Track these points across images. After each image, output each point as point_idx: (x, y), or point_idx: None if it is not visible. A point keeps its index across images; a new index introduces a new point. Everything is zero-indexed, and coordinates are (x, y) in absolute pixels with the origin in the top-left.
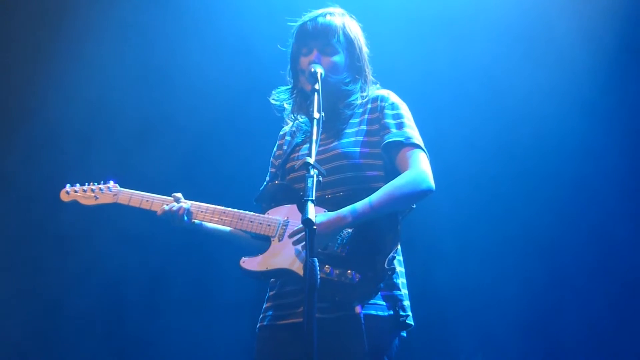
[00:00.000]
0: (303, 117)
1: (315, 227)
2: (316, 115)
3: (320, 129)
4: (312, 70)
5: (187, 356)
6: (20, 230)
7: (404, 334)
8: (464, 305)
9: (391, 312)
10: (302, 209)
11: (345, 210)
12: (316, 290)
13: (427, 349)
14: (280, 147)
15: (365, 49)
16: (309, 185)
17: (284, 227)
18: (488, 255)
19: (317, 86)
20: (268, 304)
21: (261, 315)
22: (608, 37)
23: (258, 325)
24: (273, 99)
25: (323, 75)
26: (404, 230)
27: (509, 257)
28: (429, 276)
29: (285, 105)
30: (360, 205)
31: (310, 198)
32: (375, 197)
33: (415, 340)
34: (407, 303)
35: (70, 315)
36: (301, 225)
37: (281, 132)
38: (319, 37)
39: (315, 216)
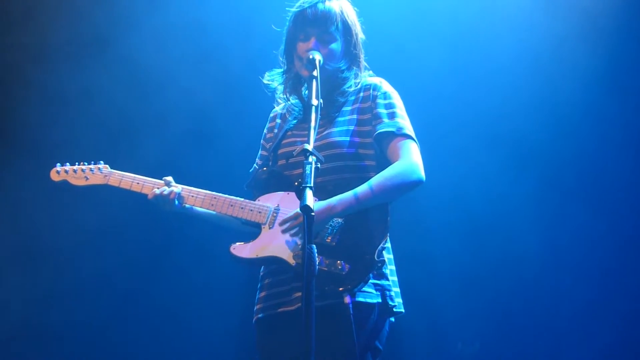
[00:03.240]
0: (295, 99)
1: (313, 213)
2: (314, 102)
3: (319, 116)
4: (311, 57)
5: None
6: None
7: (392, 319)
8: (461, 293)
9: (379, 300)
10: (301, 195)
11: (334, 199)
12: (314, 277)
13: (424, 337)
14: (271, 129)
15: (361, 36)
16: (308, 172)
17: (275, 215)
18: (487, 242)
19: (315, 73)
20: (262, 294)
21: (256, 307)
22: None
23: (255, 318)
24: (266, 80)
25: (322, 62)
26: (396, 215)
27: (508, 244)
28: (426, 263)
29: (277, 86)
30: (349, 195)
31: (308, 185)
32: (364, 187)
33: (413, 328)
34: (395, 291)
35: (57, 305)
36: (292, 213)
37: (271, 114)
38: (318, 25)
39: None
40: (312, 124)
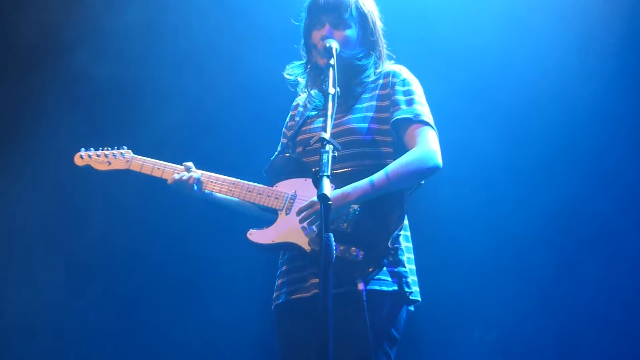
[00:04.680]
0: (316, 91)
1: (330, 202)
2: (331, 90)
3: (336, 104)
4: (327, 45)
5: (198, 336)
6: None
7: (412, 309)
8: (478, 280)
9: (395, 288)
10: (318, 184)
11: (349, 187)
12: (332, 266)
13: (441, 325)
14: (292, 117)
15: (379, 23)
16: (325, 160)
17: (292, 201)
18: (504, 229)
19: (332, 61)
20: (280, 280)
21: (275, 294)
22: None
23: (273, 305)
24: (287, 74)
25: (338, 50)
26: (414, 204)
27: (526, 230)
28: (441, 250)
29: (300, 80)
30: (365, 182)
31: (325, 173)
32: (380, 174)
33: (429, 315)
34: (412, 279)
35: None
36: (309, 201)
37: (294, 103)
38: (331, 11)
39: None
40: (329, 112)
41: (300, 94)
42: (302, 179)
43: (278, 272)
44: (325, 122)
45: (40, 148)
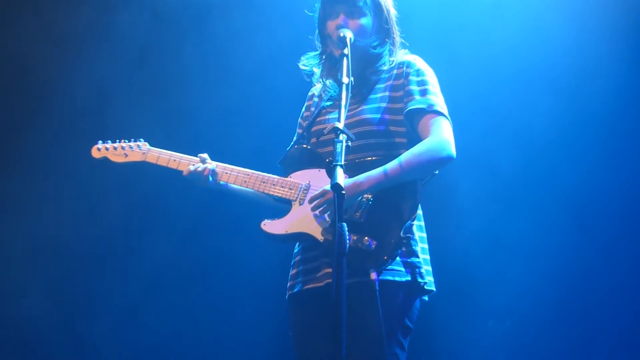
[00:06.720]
0: (331, 81)
1: (344, 192)
2: (345, 80)
3: (350, 94)
4: (342, 35)
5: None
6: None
7: (426, 299)
8: (492, 270)
9: (409, 278)
10: (331, 174)
11: (362, 176)
12: (345, 256)
13: (455, 315)
14: (308, 108)
15: (393, 11)
16: (338, 150)
17: (305, 191)
18: (519, 220)
19: (346, 51)
20: (294, 270)
21: (289, 283)
22: None
23: (287, 294)
24: (302, 65)
25: (352, 40)
26: (428, 194)
27: (540, 221)
28: (456, 240)
29: (315, 70)
30: (378, 171)
31: (339, 163)
32: (393, 164)
33: (444, 305)
34: (426, 269)
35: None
36: (321, 190)
37: (310, 93)
38: (345, 0)
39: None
40: (343, 102)
41: (316, 84)
42: (316, 170)
43: (292, 262)
44: (339, 112)
45: (50, 140)
